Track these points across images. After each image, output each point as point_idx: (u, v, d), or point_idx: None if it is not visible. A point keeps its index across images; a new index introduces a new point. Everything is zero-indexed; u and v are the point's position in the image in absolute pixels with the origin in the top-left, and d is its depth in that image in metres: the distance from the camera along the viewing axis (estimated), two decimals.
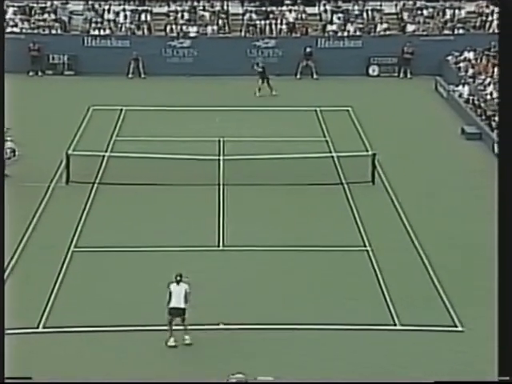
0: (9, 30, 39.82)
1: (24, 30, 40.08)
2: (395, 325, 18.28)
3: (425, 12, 41.96)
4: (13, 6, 40.86)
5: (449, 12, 41.61)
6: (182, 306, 17.09)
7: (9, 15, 40.53)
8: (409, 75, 39.73)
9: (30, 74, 39.07)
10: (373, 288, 19.86)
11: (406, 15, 42.06)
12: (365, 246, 22.05)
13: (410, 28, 41.26)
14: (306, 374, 16.31)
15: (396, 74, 39.98)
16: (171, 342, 17.16)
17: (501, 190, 14.92)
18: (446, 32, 40.33)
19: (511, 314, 13.40)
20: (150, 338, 17.47)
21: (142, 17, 41.36)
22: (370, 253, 21.62)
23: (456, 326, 18.23)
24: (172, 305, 17.14)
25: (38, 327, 17.92)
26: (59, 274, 20.29)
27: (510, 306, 13.46)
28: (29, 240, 22.14)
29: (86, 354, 17.06)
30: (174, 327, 17.24)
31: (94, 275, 20.46)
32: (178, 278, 17.23)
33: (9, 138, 27.44)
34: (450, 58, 38.05)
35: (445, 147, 30.07)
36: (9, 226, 22.45)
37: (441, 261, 21.04)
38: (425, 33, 40.70)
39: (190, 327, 17.34)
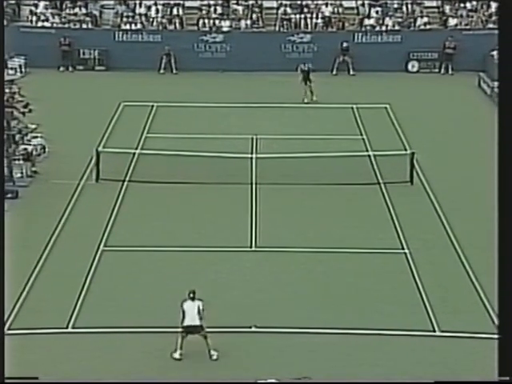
0: (39, 24, 39.91)
1: (55, 25, 40.11)
2: (434, 331, 17.90)
3: (468, 5, 41.25)
4: (44, 0, 40.83)
5: (493, 5, 40.70)
6: (198, 323, 16.65)
7: (40, 9, 40.59)
8: (450, 71, 39.16)
9: (61, 69, 39.00)
10: (411, 292, 19.52)
11: (447, 8, 41.44)
12: (403, 248, 21.73)
13: (451, 22, 40.65)
14: (337, 379, 16.00)
15: (437, 70, 39.45)
16: (177, 355, 16.71)
17: None
18: (491, 26, 39.41)
19: (511, 313, 13.22)
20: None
21: (174, 11, 41.19)
22: (408, 255, 21.29)
23: None
24: (187, 323, 16.68)
25: (67, 327, 17.81)
26: (88, 272, 20.19)
27: (510, 305, 13.28)
28: (58, 238, 22.04)
29: (112, 354, 16.90)
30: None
31: (124, 275, 20.37)
32: (192, 295, 16.79)
33: (39, 135, 27.54)
34: (494, 53, 37.21)
35: (488, 147, 29.30)
36: (38, 224, 22.59)
37: (482, 264, 20.53)
38: (468, 27, 40.13)
39: (220, 330, 17.03)
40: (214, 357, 16.72)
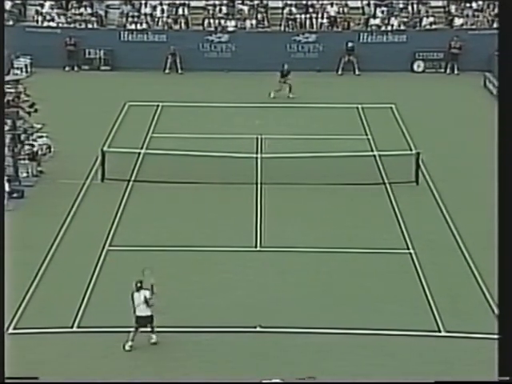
0: (45, 24, 39.92)
1: (60, 25, 40.04)
2: (440, 331, 17.83)
3: (473, 5, 41.11)
4: (50, 0, 40.81)
5: (498, 4, 40.60)
6: (147, 313, 16.90)
7: (45, 9, 40.58)
8: (456, 71, 39.03)
9: (66, 69, 38.98)
10: (416, 292, 19.45)
11: (453, 8, 41.29)
12: (408, 248, 21.66)
13: (457, 22, 40.52)
14: (342, 379, 15.94)
15: (442, 70, 39.31)
16: (127, 347, 16.90)
17: None
18: (496, 26, 39.29)
19: (511, 314, 13.17)
20: (183, 339, 17.19)
21: (180, 11, 41.14)
22: (413, 256, 21.21)
23: None
24: (137, 314, 16.97)
25: (72, 326, 17.80)
26: (93, 272, 20.17)
27: (510, 305, 13.23)
28: (63, 238, 22.03)
29: (117, 354, 16.86)
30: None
31: (129, 274, 20.05)
32: (138, 285, 17.01)
33: (45, 135, 27.50)
34: None
35: (493, 147, 29.15)
36: (43, 224, 22.59)
37: (487, 265, 20.32)
38: (473, 27, 39.98)
39: (224, 329, 17.03)
40: (153, 340, 16.87)
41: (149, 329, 17.01)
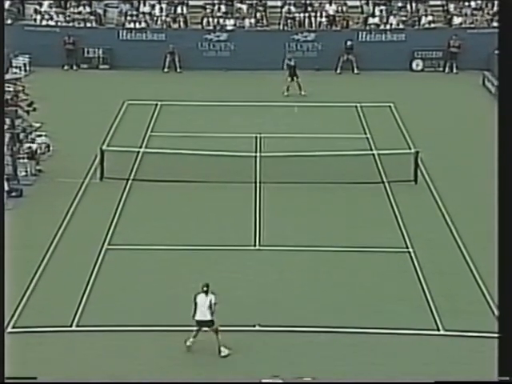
0: (44, 23, 39.87)
1: (59, 24, 39.97)
2: (438, 330, 17.83)
3: (472, 3, 41.02)
4: None
5: (498, 3, 40.57)
6: (208, 317, 16.64)
7: (44, 8, 40.53)
8: (455, 70, 38.99)
9: (65, 67, 38.94)
10: (415, 291, 19.43)
11: (452, 7, 41.20)
12: (407, 247, 21.63)
13: (456, 20, 40.44)
14: (341, 378, 15.94)
15: (441, 69, 39.24)
16: (189, 342, 16.82)
17: None
18: (495, 25, 39.20)
19: (511, 313, 13.16)
20: (182, 338, 17.09)
21: (178, 9, 41.09)
22: (412, 254, 21.19)
23: None
24: (197, 317, 16.72)
25: (71, 325, 17.80)
26: (92, 271, 20.14)
27: (510, 305, 13.22)
28: (62, 237, 22.00)
29: (115, 352, 16.88)
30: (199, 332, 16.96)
31: (128, 273, 20.30)
32: (205, 289, 16.70)
33: (43, 133, 27.49)
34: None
35: (492, 146, 29.16)
36: (42, 222, 22.58)
37: (486, 263, 20.33)
38: (472, 25, 39.87)
39: (223, 328, 16.94)
40: (223, 353, 16.66)
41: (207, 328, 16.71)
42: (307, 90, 34.94)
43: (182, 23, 40.69)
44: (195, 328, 16.79)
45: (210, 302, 16.59)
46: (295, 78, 34.85)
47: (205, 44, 39.53)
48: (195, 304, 16.74)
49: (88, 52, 39.17)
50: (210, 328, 16.68)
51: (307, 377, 15.66)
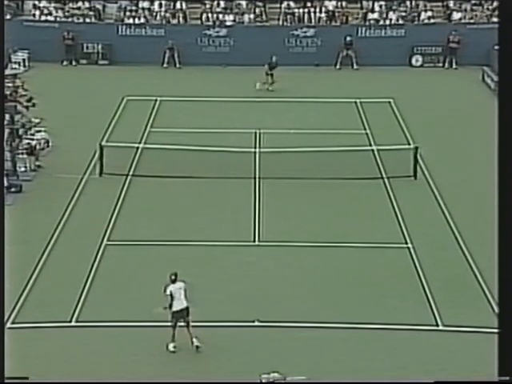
0: (43, 18, 39.85)
1: (58, 19, 39.98)
2: (437, 325, 17.83)
3: None
4: None
5: None
6: (185, 304, 16.47)
7: (43, 3, 40.50)
8: (454, 65, 39.00)
9: (64, 63, 38.92)
10: (414, 287, 19.43)
11: (451, 2, 41.20)
12: (406, 243, 21.62)
13: (455, 16, 40.45)
14: (341, 374, 15.94)
15: (441, 65, 39.27)
16: (171, 348, 16.61)
17: None
18: (495, 20, 39.16)
19: (511, 313, 13.11)
20: (180, 333, 16.94)
21: (178, 5, 41.07)
22: (412, 250, 21.19)
23: None
24: (176, 307, 16.48)
25: (70, 321, 17.79)
26: (92, 267, 20.13)
27: (510, 305, 13.17)
28: (61, 232, 21.99)
29: (115, 348, 16.87)
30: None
31: (127, 269, 20.27)
32: (173, 278, 16.54)
33: (43, 129, 27.45)
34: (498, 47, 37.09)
35: (491, 141, 29.17)
36: (41, 218, 22.58)
37: (485, 259, 20.37)
38: (472, 21, 39.90)
39: (222, 324, 16.97)
40: (196, 343, 16.47)
41: (183, 323, 16.46)
42: (306, 86, 34.97)
43: (181, 19, 40.69)
44: (171, 324, 16.49)
45: (185, 289, 16.45)
46: (272, 73, 34.73)
47: (204, 39, 39.53)
48: (170, 296, 16.43)
49: (87, 47, 39.17)
50: (184, 320, 16.44)
51: (306, 372, 15.58)
